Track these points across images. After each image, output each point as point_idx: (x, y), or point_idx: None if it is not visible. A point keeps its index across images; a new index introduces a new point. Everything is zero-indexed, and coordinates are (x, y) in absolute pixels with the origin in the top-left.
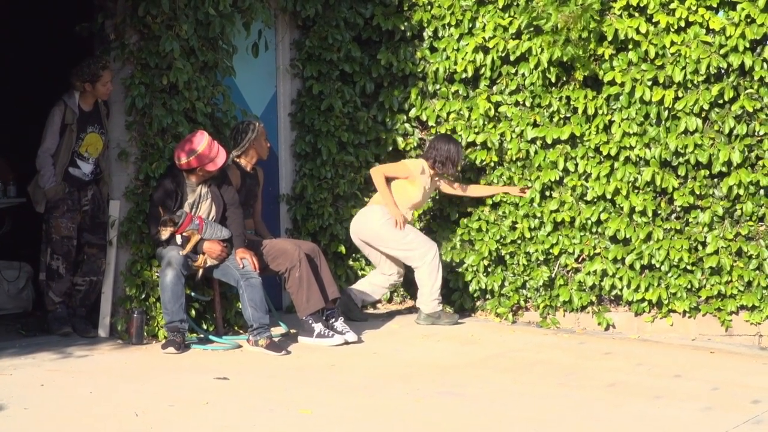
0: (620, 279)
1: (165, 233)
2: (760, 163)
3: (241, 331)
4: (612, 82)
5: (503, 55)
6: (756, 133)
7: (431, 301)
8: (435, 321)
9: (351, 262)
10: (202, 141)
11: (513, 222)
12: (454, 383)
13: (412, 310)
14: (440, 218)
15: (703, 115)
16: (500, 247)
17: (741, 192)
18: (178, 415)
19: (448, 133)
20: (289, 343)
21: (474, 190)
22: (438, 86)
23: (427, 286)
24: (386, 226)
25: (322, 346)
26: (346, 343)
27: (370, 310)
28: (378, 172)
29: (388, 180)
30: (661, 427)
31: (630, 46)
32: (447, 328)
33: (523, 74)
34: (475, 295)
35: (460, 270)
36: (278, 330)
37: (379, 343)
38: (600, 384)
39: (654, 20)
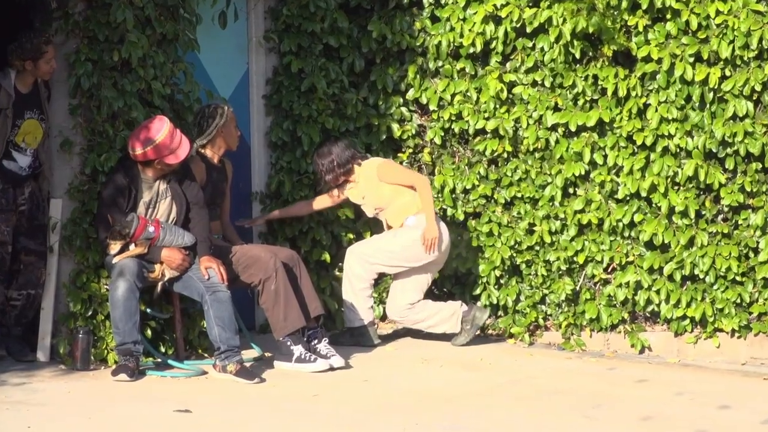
0: (657, 292)
1: (114, 247)
2: None
3: (206, 355)
4: (647, 59)
5: (518, 26)
6: None
7: None
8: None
9: (336, 273)
10: (161, 129)
11: (530, 224)
12: (459, 416)
13: (410, 329)
14: (443, 220)
15: (754, 98)
16: (515, 254)
17: None
18: None
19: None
20: (263, 369)
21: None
22: (440, 63)
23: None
24: None
25: (302, 372)
26: (332, 368)
27: None
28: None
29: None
30: None
31: (668, 16)
32: (452, 351)
33: (542, 49)
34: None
35: (467, 282)
36: (250, 353)
37: (371, 369)
38: (633, 417)
39: None
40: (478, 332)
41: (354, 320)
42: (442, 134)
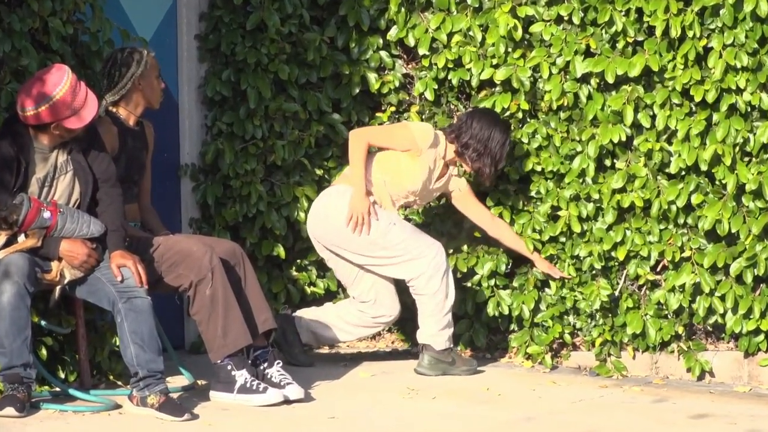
0: (722, 299)
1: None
2: None
3: (120, 383)
4: None
5: None
6: None
7: (440, 331)
8: (447, 369)
9: (294, 273)
10: (60, 81)
11: (553, 208)
12: None
13: (394, 350)
14: (438, 204)
15: None
16: (533, 247)
17: None
18: None
19: (484, 104)
20: (195, 402)
21: (499, 230)
22: None
23: (432, 306)
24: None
25: (248, 406)
26: (287, 401)
27: (324, 349)
28: (360, 138)
29: (372, 151)
30: None
31: None
32: (452, 379)
33: None
34: (494, 326)
35: (469, 285)
36: (179, 381)
37: (340, 402)
38: None
39: None
40: (487, 356)
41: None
42: (436, 87)
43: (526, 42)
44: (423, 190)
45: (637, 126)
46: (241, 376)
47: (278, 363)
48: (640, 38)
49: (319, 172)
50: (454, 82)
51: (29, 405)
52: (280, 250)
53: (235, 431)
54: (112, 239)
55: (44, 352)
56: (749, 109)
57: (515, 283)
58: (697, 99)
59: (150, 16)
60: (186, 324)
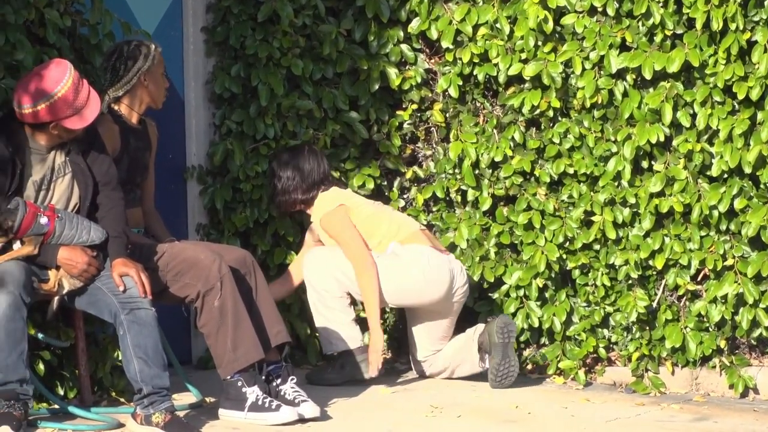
0: (767, 310)
1: None
2: None
3: (123, 400)
4: None
5: None
6: None
7: None
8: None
9: None
10: (62, 78)
11: (587, 213)
12: None
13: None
14: (460, 206)
15: None
16: (565, 256)
17: None
18: None
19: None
20: (203, 421)
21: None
22: None
23: None
24: None
25: (260, 425)
26: (302, 420)
27: None
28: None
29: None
30: None
31: None
32: (478, 396)
33: None
34: (523, 339)
35: (496, 296)
36: (185, 398)
37: (358, 422)
38: None
39: None
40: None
41: (336, 344)
42: (460, 83)
43: (557, 35)
44: None
45: (676, 125)
46: (253, 393)
47: (292, 379)
48: (679, 31)
49: (335, 174)
50: (480, 78)
51: (26, 423)
52: (294, 258)
53: None
54: (113, 246)
55: (42, 366)
56: None
57: (546, 294)
58: (741, 96)
59: (153, 6)
60: (193, 337)
